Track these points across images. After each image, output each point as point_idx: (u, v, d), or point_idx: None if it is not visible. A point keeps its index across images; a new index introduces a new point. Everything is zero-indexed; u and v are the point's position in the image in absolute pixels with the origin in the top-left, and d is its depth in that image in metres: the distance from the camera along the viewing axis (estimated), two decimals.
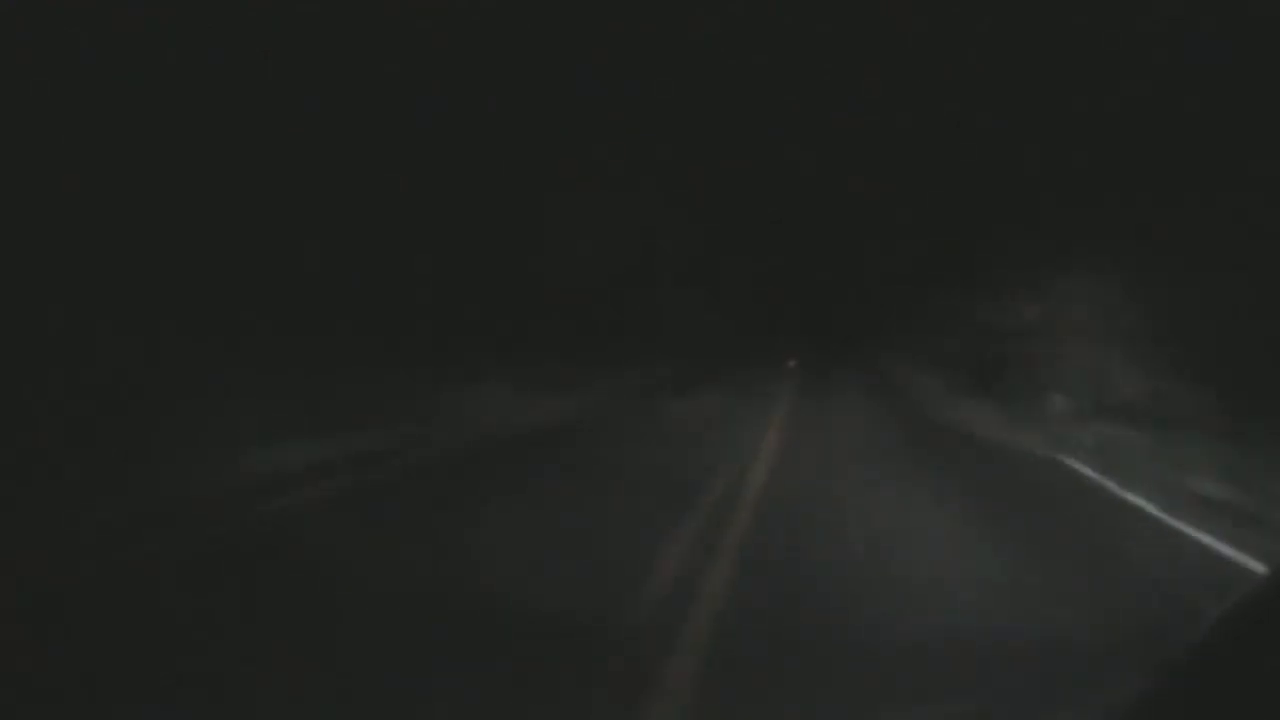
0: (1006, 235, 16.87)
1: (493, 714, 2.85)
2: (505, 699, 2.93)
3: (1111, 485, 7.49)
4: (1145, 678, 1.21)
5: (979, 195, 16.57)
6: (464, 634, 3.40)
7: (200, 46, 8.69)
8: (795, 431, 10.79)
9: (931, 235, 20.86)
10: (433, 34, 12.18)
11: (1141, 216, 11.64)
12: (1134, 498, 6.93)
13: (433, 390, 10.67)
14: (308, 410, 7.86)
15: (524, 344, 15.08)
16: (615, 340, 19.88)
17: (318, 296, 10.52)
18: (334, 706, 2.83)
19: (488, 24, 13.32)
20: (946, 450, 9.99)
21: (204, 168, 8.93)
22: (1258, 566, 4.89)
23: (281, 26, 9.55)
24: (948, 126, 16.29)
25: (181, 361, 7.44)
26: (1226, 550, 5.26)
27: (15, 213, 7.02)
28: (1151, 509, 6.50)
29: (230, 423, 6.92)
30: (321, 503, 5.79)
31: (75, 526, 4.66)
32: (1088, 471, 8.23)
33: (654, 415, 12.63)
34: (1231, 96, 9.42)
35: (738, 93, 21.12)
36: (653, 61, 17.86)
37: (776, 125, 23.07)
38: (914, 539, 5.34)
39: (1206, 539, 5.55)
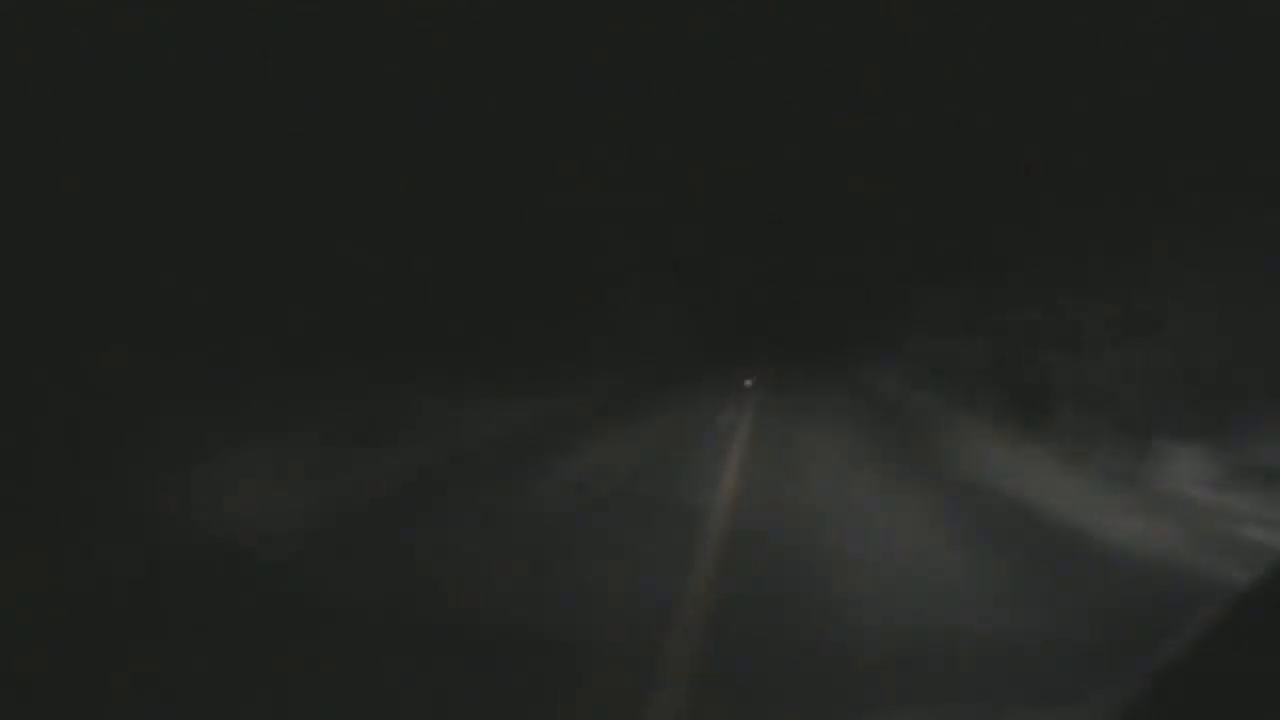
0: (1047, 215, 13.22)
1: None
2: None
3: None
4: (1143, 678, 1.21)
5: (992, 184, 15.85)
6: None
7: (199, 46, 8.68)
8: (749, 525, 6.03)
9: (936, 228, 19.75)
10: (433, 34, 12.17)
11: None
12: None
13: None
14: None
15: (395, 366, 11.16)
16: (538, 354, 16.31)
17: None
18: None
19: (488, 24, 13.30)
20: (1040, 573, 5.01)
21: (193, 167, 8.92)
22: None
23: (281, 27, 9.54)
24: (948, 126, 16.26)
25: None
26: None
27: (15, 213, 7.02)
28: None
29: None
30: None
31: None
32: None
33: (489, 510, 6.57)
34: None
35: (738, 93, 21.11)
36: (653, 61, 17.85)
37: (777, 125, 23.03)
38: None
39: None
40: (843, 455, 9.53)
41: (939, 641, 3.60)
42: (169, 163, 8.58)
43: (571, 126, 17.03)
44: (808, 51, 18.40)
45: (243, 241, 9.37)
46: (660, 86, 18.89)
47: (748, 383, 19.15)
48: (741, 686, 3.34)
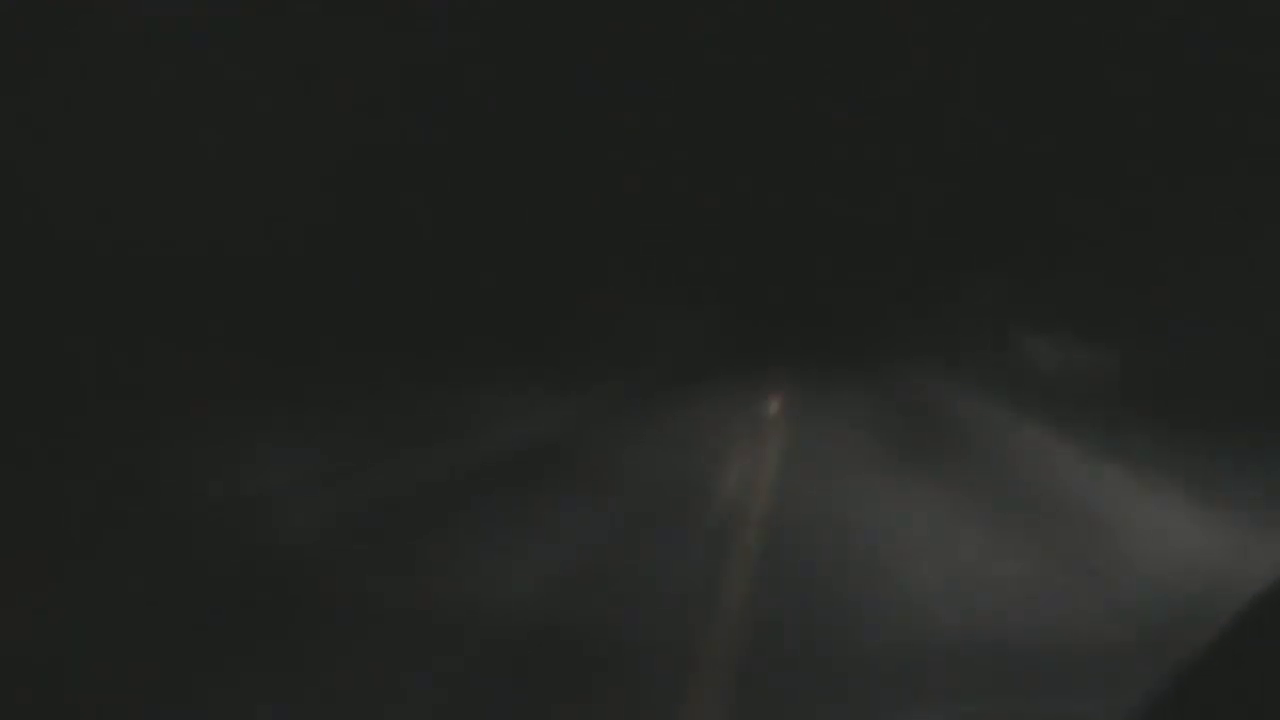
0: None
1: None
2: None
3: None
4: (1159, 679, 1.21)
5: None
6: None
7: (199, 46, 8.66)
8: None
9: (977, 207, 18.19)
10: (433, 34, 12.16)
11: None
12: None
13: None
14: None
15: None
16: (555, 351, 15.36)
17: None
18: None
19: (488, 24, 13.29)
20: None
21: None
22: None
23: (281, 27, 9.53)
24: (948, 126, 16.27)
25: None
26: None
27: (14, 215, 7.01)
28: None
29: None
30: None
31: None
32: None
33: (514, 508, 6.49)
34: None
35: (737, 92, 21.09)
36: (653, 61, 17.84)
37: (776, 125, 23.02)
38: None
39: None
40: None
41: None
42: (176, 162, 8.57)
43: (571, 127, 17.04)
44: (807, 51, 18.38)
45: (274, 234, 9.31)
46: (660, 86, 18.88)
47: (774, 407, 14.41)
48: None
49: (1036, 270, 14.57)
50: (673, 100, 19.76)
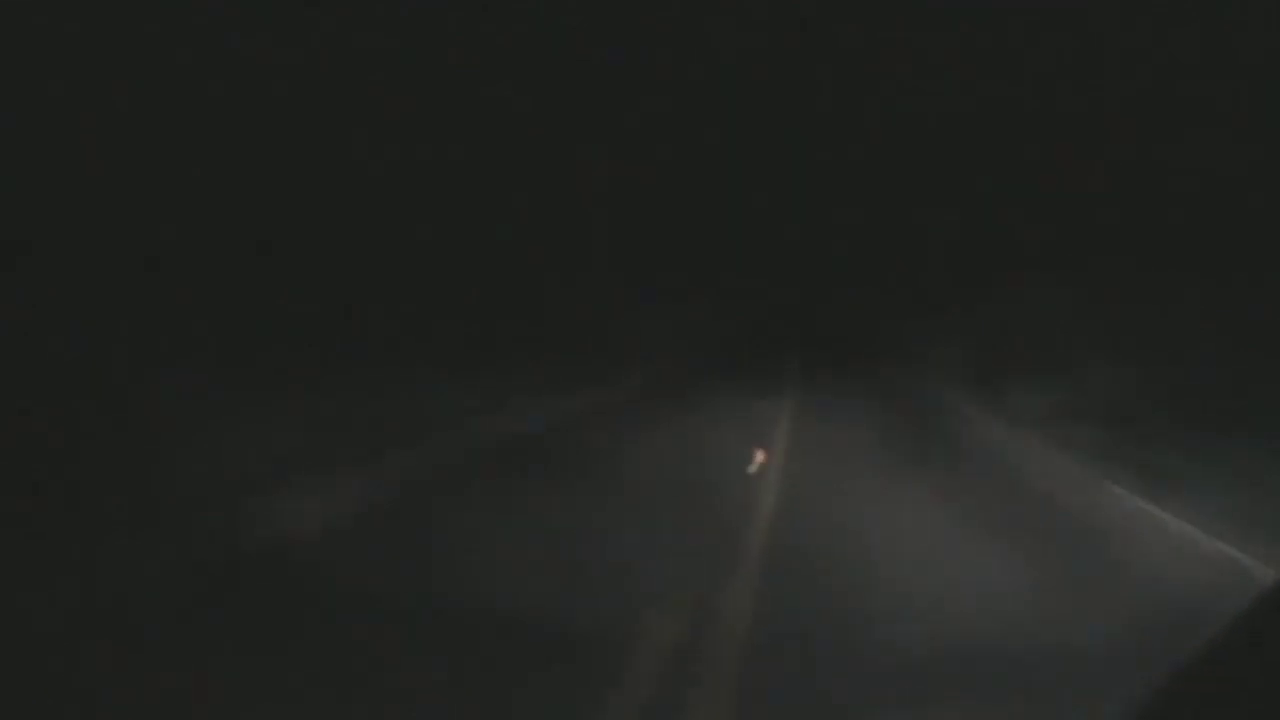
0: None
1: None
2: None
3: None
4: (1156, 681, 1.21)
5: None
6: None
7: (199, 47, 8.66)
8: None
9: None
10: (434, 34, 12.16)
11: None
12: None
13: None
14: None
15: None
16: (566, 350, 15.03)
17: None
18: None
19: (489, 24, 13.30)
20: None
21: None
22: None
23: (281, 27, 9.53)
24: (949, 125, 16.27)
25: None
26: None
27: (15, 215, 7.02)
28: None
29: None
30: None
31: None
32: None
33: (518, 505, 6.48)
34: None
35: (737, 93, 21.12)
36: (653, 61, 17.85)
37: (776, 125, 23.06)
38: None
39: None
40: None
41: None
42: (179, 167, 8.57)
43: (571, 127, 17.06)
44: (807, 51, 18.38)
45: (271, 239, 9.32)
46: (660, 86, 18.88)
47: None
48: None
49: (1042, 283, 14.68)
50: (687, 107, 19.76)
